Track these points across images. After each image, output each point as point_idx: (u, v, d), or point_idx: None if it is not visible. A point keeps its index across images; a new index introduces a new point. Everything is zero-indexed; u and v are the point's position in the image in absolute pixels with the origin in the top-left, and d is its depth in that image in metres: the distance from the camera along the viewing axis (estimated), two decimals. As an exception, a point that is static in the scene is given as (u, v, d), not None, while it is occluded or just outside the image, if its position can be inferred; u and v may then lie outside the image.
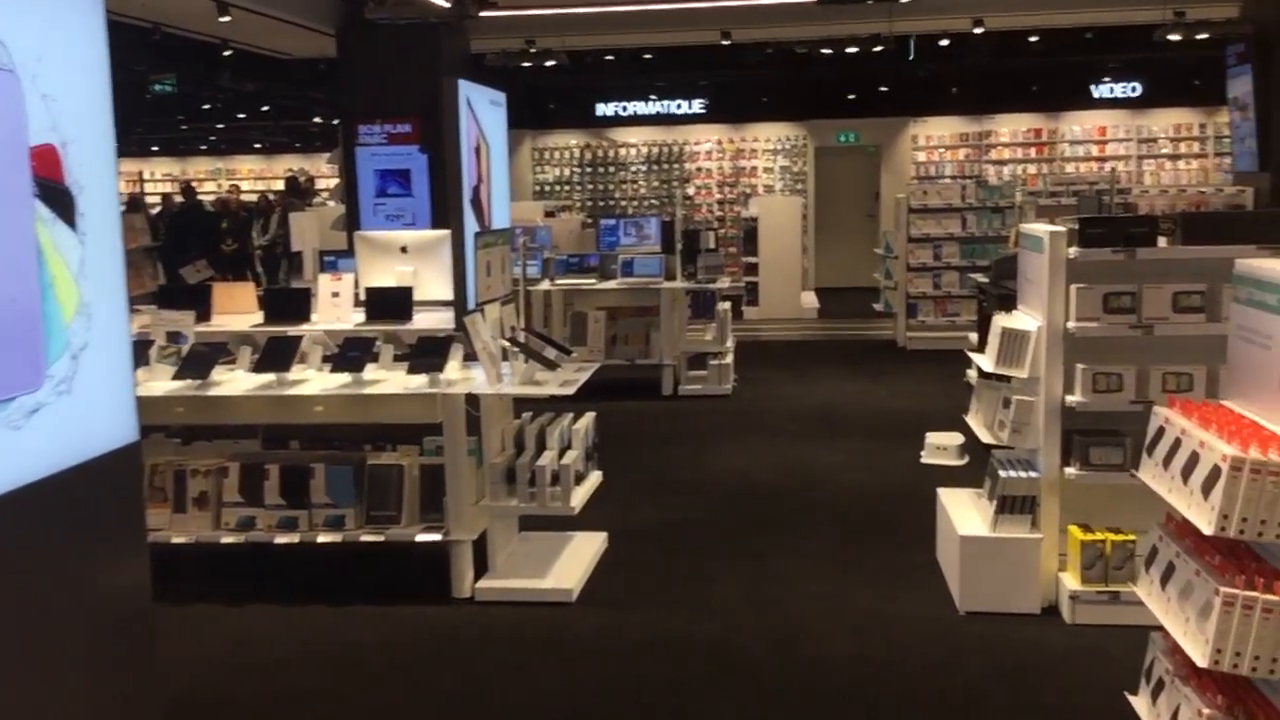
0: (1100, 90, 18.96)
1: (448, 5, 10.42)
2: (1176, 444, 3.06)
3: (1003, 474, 5.31)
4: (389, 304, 7.25)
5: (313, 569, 5.90)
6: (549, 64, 13.78)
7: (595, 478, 5.95)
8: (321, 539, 5.53)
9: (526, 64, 13.67)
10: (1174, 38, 12.55)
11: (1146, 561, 3.29)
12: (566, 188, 20.04)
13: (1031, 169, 18.61)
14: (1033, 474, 5.27)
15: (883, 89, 19.25)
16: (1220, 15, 12.49)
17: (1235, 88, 12.74)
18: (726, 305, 11.08)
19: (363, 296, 7.41)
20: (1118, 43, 16.54)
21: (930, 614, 5.30)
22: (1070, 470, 5.15)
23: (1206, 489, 2.83)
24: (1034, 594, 5.23)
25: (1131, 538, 5.01)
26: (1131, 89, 18.83)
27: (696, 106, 19.85)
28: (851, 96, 19.35)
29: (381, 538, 5.51)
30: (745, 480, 7.73)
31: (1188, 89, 17.89)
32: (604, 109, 20.02)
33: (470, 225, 10.88)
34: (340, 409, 5.62)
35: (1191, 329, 4.99)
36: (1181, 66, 17.02)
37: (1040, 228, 5.34)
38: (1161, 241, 5.13)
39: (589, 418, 6.05)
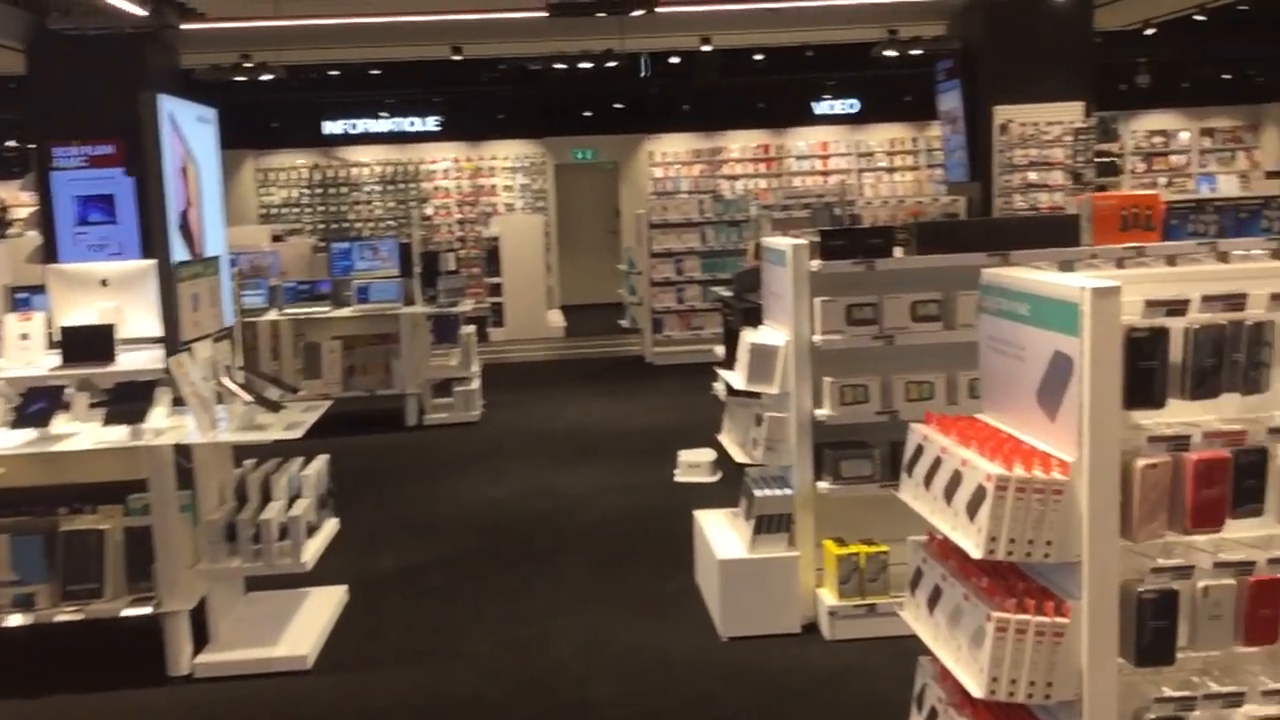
0: (822, 107, 19.77)
1: (143, 14, 9.55)
2: (937, 463, 2.95)
3: (758, 493, 5.20)
4: (88, 344, 6.46)
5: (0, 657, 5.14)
6: (265, 78, 12.96)
7: (331, 526, 5.45)
8: (9, 622, 4.81)
9: (240, 78, 12.81)
10: (889, 54, 13.12)
11: (911, 584, 3.18)
12: (295, 210, 19.02)
13: (762, 183, 19.15)
14: (787, 491, 5.18)
15: (618, 106, 19.37)
16: (931, 33, 13.14)
17: (945, 102, 13.45)
18: (471, 328, 10.71)
19: (57, 337, 6.60)
20: (837, 61, 17.27)
21: (693, 643, 5.13)
22: (823, 485, 5.09)
23: (972, 510, 2.71)
24: (794, 613, 5.14)
25: (884, 549, 5.01)
26: (850, 105, 19.73)
27: (431, 124, 19.31)
28: (587, 114, 19.37)
29: (81, 615, 4.82)
30: (497, 512, 7.38)
31: (901, 105, 18.89)
32: (332, 127, 19.16)
33: (180, 254, 10.02)
34: (25, 470, 4.94)
35: (930, 337, 5.04)
36: (895, 83, 17.95)
37: (782, 241, 5.27)
38: (897, 252, 5.15)
39: (322, 460, 5.53)
